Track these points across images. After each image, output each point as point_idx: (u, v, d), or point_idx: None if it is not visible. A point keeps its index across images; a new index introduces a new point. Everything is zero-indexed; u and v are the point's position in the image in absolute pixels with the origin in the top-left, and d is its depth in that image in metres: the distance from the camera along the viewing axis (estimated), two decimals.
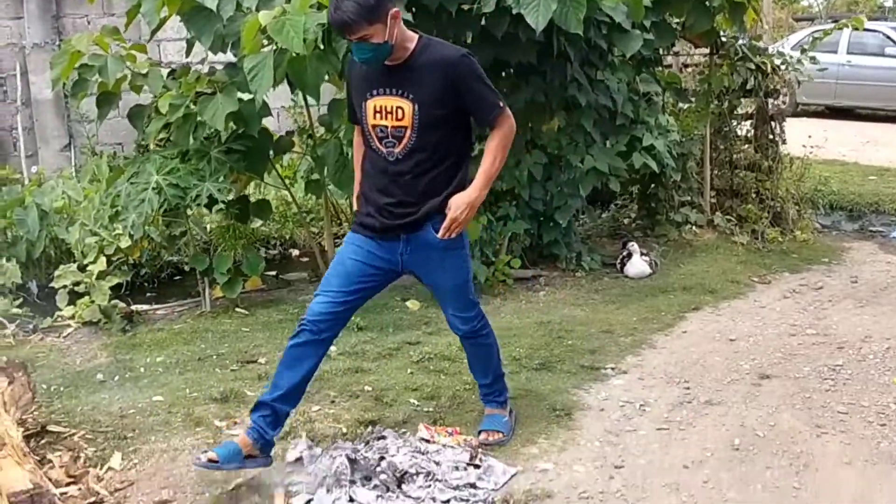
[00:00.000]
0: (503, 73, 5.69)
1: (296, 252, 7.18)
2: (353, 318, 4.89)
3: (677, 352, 4.58)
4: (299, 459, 3.34)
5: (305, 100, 5.91)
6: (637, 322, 5.05)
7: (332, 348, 4.53)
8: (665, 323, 5.05)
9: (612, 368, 4.32)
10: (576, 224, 6.61)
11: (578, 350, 4.57)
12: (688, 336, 4.85)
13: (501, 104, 3.13)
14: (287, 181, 6.48)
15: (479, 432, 3.52)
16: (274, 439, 3.21)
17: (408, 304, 5.41)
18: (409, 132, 3.06)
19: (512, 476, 3.24)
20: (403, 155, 3.09)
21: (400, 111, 3.04)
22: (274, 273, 6.33)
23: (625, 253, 6.13)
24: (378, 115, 3.08)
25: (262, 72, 4.19)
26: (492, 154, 3.13)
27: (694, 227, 7.00)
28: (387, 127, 3.08)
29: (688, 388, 4.07)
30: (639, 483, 3.21)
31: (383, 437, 3.45)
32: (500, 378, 3.64)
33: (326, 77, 4.64)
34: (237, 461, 3.07)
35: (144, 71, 4.97)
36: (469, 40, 5.28)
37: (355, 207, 3.37)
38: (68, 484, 3.20)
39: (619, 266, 6.11)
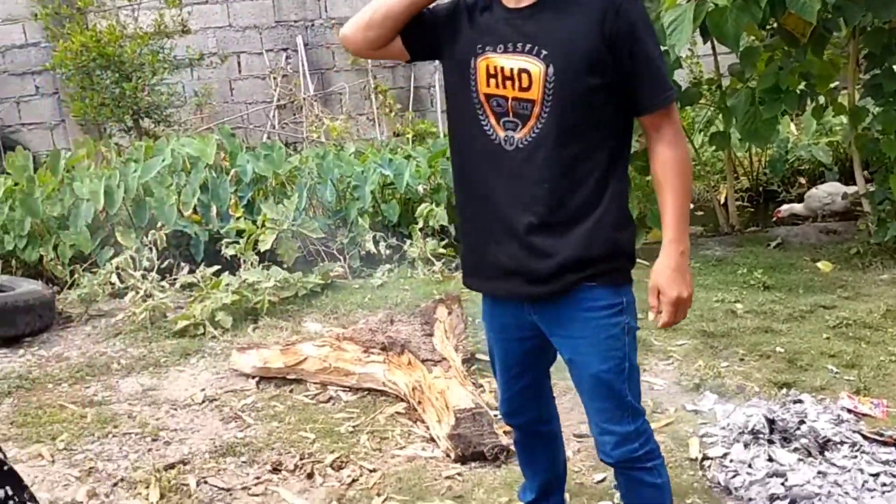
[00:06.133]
0: None
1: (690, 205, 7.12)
2: (758, 275, 4.84)
3: None
4: (711, 411, 3.38)
5: (714, 49, 5.79)
6: None
7: (738, 305, 4.49)
8: None
9: None
10: None
11: None
12: None
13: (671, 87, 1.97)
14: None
15: None
16: None
17: (818, 264, 5.11)
18: (536, 109, 1.94)
19: None
20: (528, 143, 1.97)
21: (525, 76, 1.94)
22: None
23: None
24: (493, 81, 1.98)
25: (681, 25, 4.17)
26: (676, 172, 1.99)
27: None
28: (506, 99, 1.98)
29: None
30: None
31: (800, 401, 3.34)
32: None
33: None
34: None
35: None
36: None
37: None
38: (496, 408, 3.56)
39: None
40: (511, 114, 1.98)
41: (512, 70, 1.95)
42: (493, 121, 2.01)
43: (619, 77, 1.92)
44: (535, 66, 1.92)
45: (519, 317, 2.14)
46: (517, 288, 2.07)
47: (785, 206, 6.22)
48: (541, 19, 1.94)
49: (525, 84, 1.94)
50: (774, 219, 6.22)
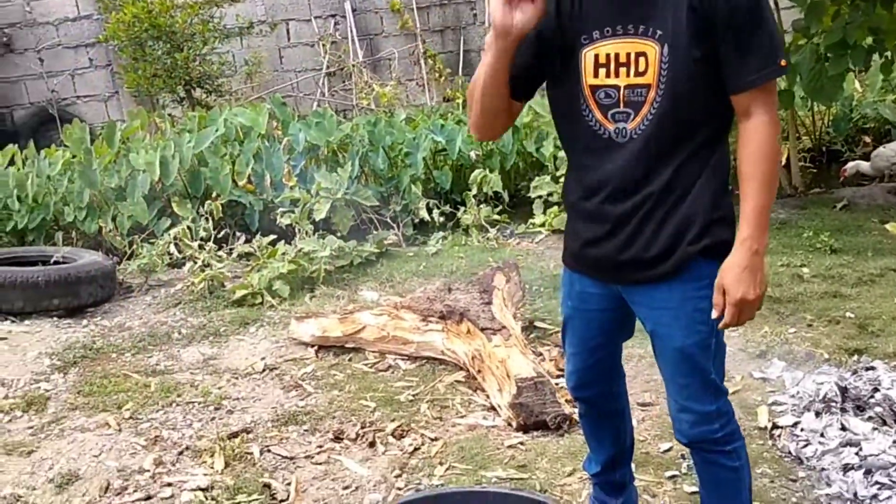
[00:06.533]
0: None
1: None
2: (824, 238, 4.69)
3: None
4: (779, 379, 3.30)
5: (777, 4, 5.58)
6: None
7: (805, 270, 4.36)
8: None
9: None
10: None
11: None
12: None
13: (783, 62, 1.79)
14: None
15: None
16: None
17: (887, 226, 4.94)
18: (651, 94, 1.81)
19: None
20: (643, 131, 1.84)
21: (642, 60, 1.80)
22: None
23: None
24: (603, 71, 1.84)
25: None
26: (761, 163, 1.79)
27: None
28: (617, 89, 1.84)
29: None
30: None
31: (873, 368, 3.24)
32: None
33: None
34: None
35: None
36: None
37: None
38: (557, 376, 3.52)
39: None
40: (622, 104, 1.84)
41: (628, 55, 1.81)
42: (598, 115, 1.87)
43: (716, 50, 1.77)
44: (651, 48, 1.78)
45: (603, 287, 2.05)
46: (618, 277, 1.99)
47: (851, 164, 6.01)
48: None
49: (641, 69, 1.80)
50: (841, 178, 6.02)
